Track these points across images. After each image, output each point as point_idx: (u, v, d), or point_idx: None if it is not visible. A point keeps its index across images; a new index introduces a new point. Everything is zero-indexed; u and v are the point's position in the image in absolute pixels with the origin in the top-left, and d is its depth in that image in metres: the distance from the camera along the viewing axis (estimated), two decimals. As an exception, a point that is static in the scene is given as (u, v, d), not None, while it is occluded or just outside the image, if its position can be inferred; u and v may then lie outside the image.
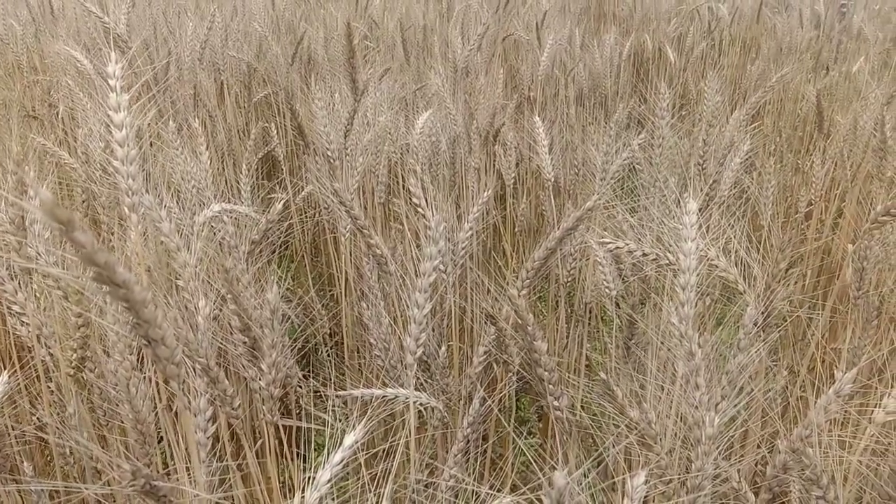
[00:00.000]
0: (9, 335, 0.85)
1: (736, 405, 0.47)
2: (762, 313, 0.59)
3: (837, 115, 1.61)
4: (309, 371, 1.22)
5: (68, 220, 0.29)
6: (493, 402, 0.79)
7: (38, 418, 0.68)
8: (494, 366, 0.72)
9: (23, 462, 0.61)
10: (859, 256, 0.62)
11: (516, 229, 1.28)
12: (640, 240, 0.62)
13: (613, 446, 0.73)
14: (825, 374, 0.86)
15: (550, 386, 0.47)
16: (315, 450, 1.08)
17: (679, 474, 0.46)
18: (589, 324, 0.90)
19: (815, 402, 0.43)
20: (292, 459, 0.99)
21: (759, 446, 0.62)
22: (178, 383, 0.37)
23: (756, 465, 0.66)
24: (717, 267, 0.59)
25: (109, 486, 0.59)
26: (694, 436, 0.45)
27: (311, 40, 1.67)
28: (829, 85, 1.78)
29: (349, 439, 0.42)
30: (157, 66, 1.36)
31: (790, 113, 1.80)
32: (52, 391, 0.63)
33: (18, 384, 0.72)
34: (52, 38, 1.79)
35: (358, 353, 1.01)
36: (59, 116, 1.37)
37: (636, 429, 0.47)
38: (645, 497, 0.44)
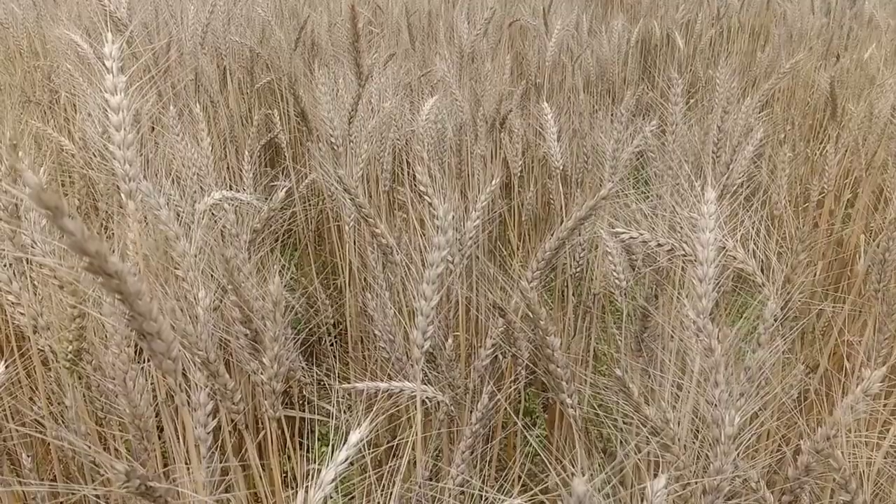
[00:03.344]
0: (8, 324, 0.83)
1: (757, 402, 0.46)
2: (781, 307, 0.57)
3: (849, 103, 1.58)
4: (312, 361, 1.20)
5: (56, 207, 0.27)
6: (501, 397, 0.77)
7: (37, 409, 0.67)
8: (500, 357, 0.71)
9: (21, 454, 0.60)
10: (882, 248, 0.60)
11: (523, 219, 1.26)
12: (653, 229, 0.60)
13: (622, 442, 0.71)
14: (848, 370, 0.84)
15: (563, 383, 0.45)
16: (319, 439, 1.06)
17: (697, 475, 0.44)
18: (597, 316, 0.88)
19: (842, 401, 0.41)
20: (295, 450, 0.98)
21: (779, 447, 0.60)
22: (175, 379, 0.35)
23: (771, 463, 0.64)
24: (734, 258, 0.57)
25: (108, 484, 0.57)
26: (713, 435, 0.43)
27: (315, 25, 1.64)
28: (840, 72, 1.75)
29: (354, 437, 0.40)
30: (158, 49, 1.34)
31: (801, 100, 1.77)
32: (50, 383, 0.62)
33: (17, 374, 0.70)
34: (53, 22, 1.76)
35: (362, 343, 0.99)
36: (60, 102, 1.35)
37: (650, 426, 0.45)
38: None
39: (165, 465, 0.85)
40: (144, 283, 0.31)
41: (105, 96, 0.49)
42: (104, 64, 0.49)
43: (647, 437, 0.44)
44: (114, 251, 0.57)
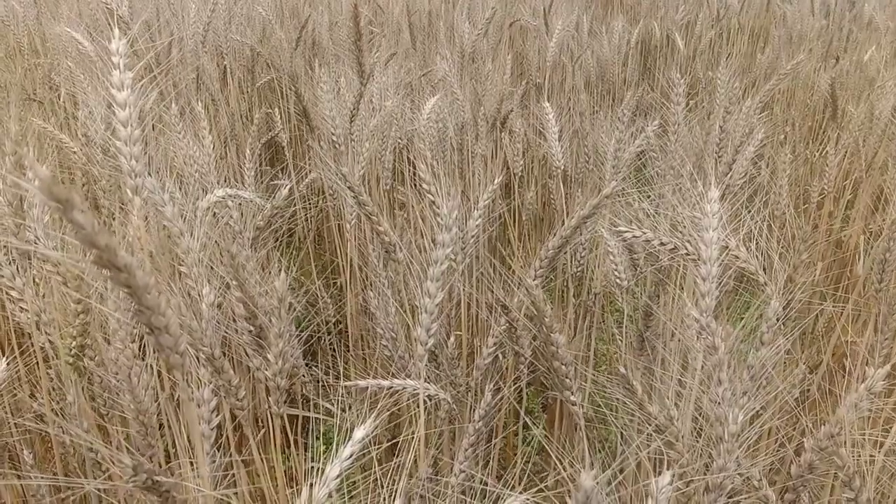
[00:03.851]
0: (8, 321, 0.83)
1: (759, 401, 0.46)
2: (783, 306, 0.58)
3: (849, 105, 1.58)
4: (313, 360, 1.20)
5: (67, 200, 0.27)
6: (505, 394, 0.77)
7: (38, 405, 0.67)
8: (500, 356, 0.71)
9: (23, 450, 0.60)
10: (882, 248, 0.60)
11: (524, 219, 1.26)
12: (655, 228, 0.61)
13: (625, 439, 0.71)
14: (849, 369, 0.84)
15: (567, 380, 0.45)
16: (317, 438, 1.06)
17: (700, 473, 0.44)
18: (597, 315, 0.88)
19: (844, 399, 0.41)
20: (297, 448, 0.98)
21: (781, 445, 0.61)
22: (182, 373, 0.35)
23: (773, 461, 0.64)
24: (737, 258, 0.57)
25: (111, 479, 0.57)
26: (716, 433, 0.44)
27: (316, 24, 1.64)
28: (839, 74, 1.75)
29: (359, 433, 0.41)
30: (160, 48, 1.34)
31: (801, 102, 1.78)
32: (52, 379, 0.62)
33: (18, 371, 0.70)
34: (54, 20, 1.76)
35: (362, 341, 0.99)
36: (61, 100, 1.35)
37: (654, 424, 0.45)
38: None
39: (168, 462, 0.85)
40: (152, 278, 0.31)
41: (112, 92, 0.49)
42: (111, 60, 0.49)
43: (650, 435, 0.44)
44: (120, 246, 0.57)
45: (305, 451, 1.02)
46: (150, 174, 0.57)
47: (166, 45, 1.34)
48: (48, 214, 0.58)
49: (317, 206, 1.38)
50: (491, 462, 0.75)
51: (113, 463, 0.56)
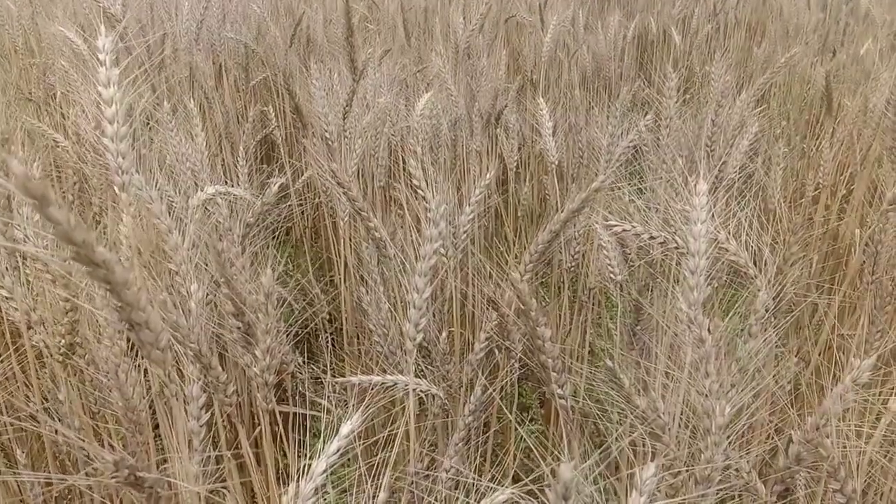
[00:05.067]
0: (2, 321, 0.83)
1: (747, 394, 0.46)
2: (773, 298, 0.58)
3: (845, 99, 1.58)
4: (308, 357, 1.20)
5: (42, 196, 0.27)
6: (494, 389, 0.77)
7: (30, 405, 0.67)
8: (496, 352, 0.71)
9: (16, 450, 0.60)
10: (874, 240, 0.60)
11: (519, 214, 1.26)
12: (646, 222, 0.61)
13: (615, 434, 0.71)
14: (841, 361, 0.84)
15: (554, 374, 0.45)
16: (314, 435, 1.06)
17: (687, 465, 0.44)
18: (592, 310, 0.88)
19: (831, 391, 0.41)
20: (289, 446, 0.98)
21: (769, 437, 0.61)
22: (165, 369, 0.35)
23: (764, 455, 0.64)
24: (726, 251, 0.57)
25: (95, 475, 0.57)
26: (704, 425, 0.43)
27: (311, 21, 1.64)
28: (836, 67, 1.75)
29: (346, 428, 0.41)
30: (152, 44, 1.33)
31: (797, 96, 1.77)
32: (42, 378, 0.62)
33: (12, 369, 0.70)
34: (49, 19, 1.76)
35: (358, 339, 0.99)
36: (56, 99, 1.35)
37: (642, 418, 0.45)
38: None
39: (159, 457, 0.85)
40: (132, 273, 0.31)
41: (98, 89, 0.49)
42: (97, 57, 0.49)
43: (638, 427, 0.44)
44: (105, 243, 0.57)
45: (301, 448, 1.02)
46: (138, 171, 0.57)
47: (159, 42, 1.33)
48: (36, 213, 0.58)
49: (312, 203, 1.38)
50: (476, 457, 0.75)
51: (97, 460, 0.56)
